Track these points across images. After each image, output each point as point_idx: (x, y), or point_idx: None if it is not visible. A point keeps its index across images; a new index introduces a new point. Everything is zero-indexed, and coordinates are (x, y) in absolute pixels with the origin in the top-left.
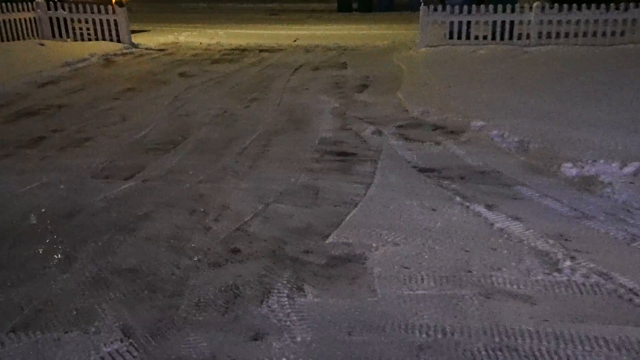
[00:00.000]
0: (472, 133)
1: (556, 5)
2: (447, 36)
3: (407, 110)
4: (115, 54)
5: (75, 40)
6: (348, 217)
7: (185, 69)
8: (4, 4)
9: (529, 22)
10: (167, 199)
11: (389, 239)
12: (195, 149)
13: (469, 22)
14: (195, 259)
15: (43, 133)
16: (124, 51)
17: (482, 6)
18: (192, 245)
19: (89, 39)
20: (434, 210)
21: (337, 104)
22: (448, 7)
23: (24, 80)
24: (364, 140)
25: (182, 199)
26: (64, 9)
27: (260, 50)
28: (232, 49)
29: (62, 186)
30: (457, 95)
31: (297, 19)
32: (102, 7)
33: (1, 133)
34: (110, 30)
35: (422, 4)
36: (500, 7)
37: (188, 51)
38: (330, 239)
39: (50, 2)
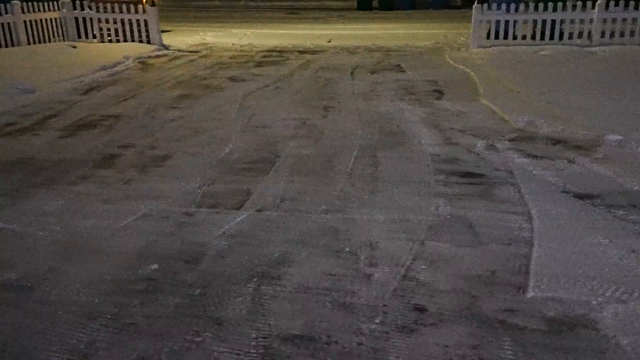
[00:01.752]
0: (610, 149)
1: (621, 2)
2: (492, 36)
3: (506, 121)
4: (149, 56)
5: (102, 41)
6: (533, 261)
7: (232, 73)
8: (29, 3)
9: (591, 20)
10: (297, 235)
11: (608, 294)
12: (295, 169)
13: (515, 22)
14: (376, 320)
15: (112, 149)
16: (157, 53)
17: (532, 4)
18: (361, 299)
19: (117, 40)
20: (633, 251)
21: (422, 113)
22: (503, 6)
23: (64, 86)
24: (482, 157)
25: (315, 235)
26: (90, 9)
27: (300, 52)
28: (269, 51)
29: (166, 219)
30: (555, 102)
31: (318, 18)
32: (131, 6)
33: (65, 149)
34: (140, 31)
35: (476, 2)
36: (560, 5)
37: (223, 53)
38: (531, 293)
39: (76, 2)
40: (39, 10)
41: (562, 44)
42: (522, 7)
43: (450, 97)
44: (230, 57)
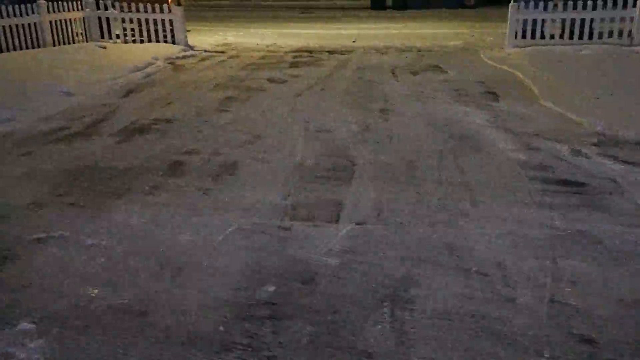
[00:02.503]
0: None
1: None
2: (529, 35)
3: (578, 123)
4: (177, 57)
5: (126, 41)
6: None
7: (269, 74)
8: (53, 3)
9: (631, 19)
10: (413, 252)
11: None
12: (378, 178)
13: (553, 21)
14: (546, 354)
15: (175, 156)
16: (185, 54)
17: (570, 3)
18: (514, 328)
19: (141, 41)
20: None
21: (486, 116)
22: (540, 4)
23: (102, 88)
24: (573, 164)
25: (432, 251)
26: (114, 8)
27: (329, 52)
28: (297, 51)
29: (263, 234)
30: (617, 103)
31: (333, 18)
32: (157, 6)
33: (127, 156)
34: (164, 31)
35: (512, 0)
36: (600, 3)
37: (251, 53)
38: None
39: (99, 1)
40: (64, 10)
41: (602, 43)
42: (560, 5)
43: (506, 98)
44: (261, 58)
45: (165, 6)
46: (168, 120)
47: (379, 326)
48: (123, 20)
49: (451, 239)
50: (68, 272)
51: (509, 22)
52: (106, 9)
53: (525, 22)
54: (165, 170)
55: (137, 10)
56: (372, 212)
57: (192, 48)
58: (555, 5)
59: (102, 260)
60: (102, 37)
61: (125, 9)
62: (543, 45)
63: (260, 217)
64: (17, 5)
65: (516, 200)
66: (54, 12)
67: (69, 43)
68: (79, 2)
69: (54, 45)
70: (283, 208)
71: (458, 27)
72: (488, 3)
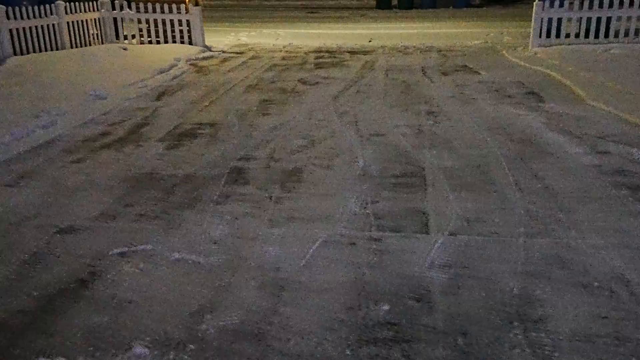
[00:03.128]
0: None
1: None
2: (553, 34)
3: (637, 125)
4: (197, 58)
5: (142, 43)
6: None
7: (298, 75)
8: (71, 4)
9: None
10: (521, 265)
11: None
12: (453, 184)
13: (579, 19)
14: None
15: (232, 162)
16: (204, 55)
17: (596, 1)
18: None
19: (157, 42)
20: None
21: (539, 117)
22: (565, 3)
23: (133, 91)
24: None
25: (541, 264)
26: (130, 9)
27: (350, 52)
28: (317, 51)
29: (354, 246)
30: None
31: (341, 17)
32: (174, 6)
33: (182, 163)
34: (181, 32)
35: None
36: (626, 1)
37: (271, 54)
38: None
39: (115, 2)
40: (80, 11)
41: (629, 42)
42: (586, 4)
43: (552, 99)
44: (282, 59)
45: (182, 6)
46: (212, 125)
47: (518, 350)
48: (139, 21)
49: (558, 251)
50: (164, 289)
51: (533, 21)
52: (121, 9)
53: (550, 21)
54: (226, 177)
55: (154, 11)
56: (461, 222)
57: (209, 49)
58: (581, 4)
59: (196, 276)
60: (117, 38)
61: (142, 10)
62: (569, 45)
63: (345, 228)
64: (36, 6)
65: (606, 207)
66: (71, 13)
67: (85, 45)
68: (94, 2)
69: (71, 47)
70: (365, 218)
71: (470, 26)
72: (493, 2)
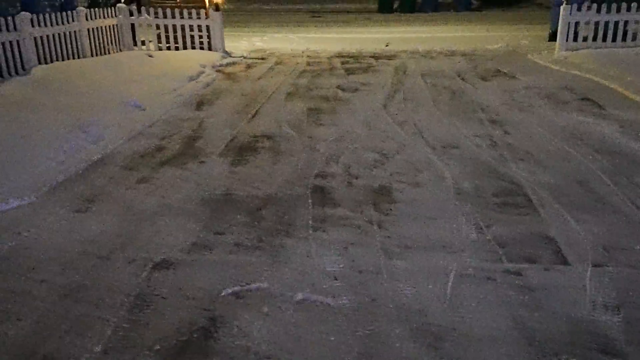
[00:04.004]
0: None
1: None
2: (580, 38)
3: None
4: (222, 65)
5: (160, 49)
6: None
7: (333, 82)
8: (90, 10)
9: None
10: None
11: None
12: (561, 202)
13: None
14: None
15: (311, 180)
16: (227, 61)
17: (624, 4)
18: None
19: (176, 48)
20: None
21: (612, 125)
22: (594, 6)
23: (169, 101)
24: None
25: None
26: (148, 14)
27: (374, 57)
28: (339, 56)
29: (493, 280)
30: None
31: (345, 21)
32: (194, 11)
33: (257, 182)
34: (201, 37)
35: (565, 2)
36: None
37: (293, 59)
38: None
39: (132, 8)
40: (98, 17)
41: None
42: (614, 6)
43: (611, 106)
44: (308, 64)
45: (202, 11)
46: (268, 137)
47: None
48: (157, 27)
49: None
50: (303, 340)
51: (560, 25)
52: (140, 14)
53: (577, 24)
54: (311, 198)
55: (173, 16)
56: (597, 249)
57: (230, 55)
58: (609, 7)
59: (332, 322)
60: (135, 44)
61: (160, 15)
62: (596, 48)
63: (472, 259)
64: (59, 13)
65: None
66: (91, 19)
67: (103, 52)
68: (111, 8)
69: (92, 55)
70: (488, 245)
71: (481, 30)
72: (490, 5)
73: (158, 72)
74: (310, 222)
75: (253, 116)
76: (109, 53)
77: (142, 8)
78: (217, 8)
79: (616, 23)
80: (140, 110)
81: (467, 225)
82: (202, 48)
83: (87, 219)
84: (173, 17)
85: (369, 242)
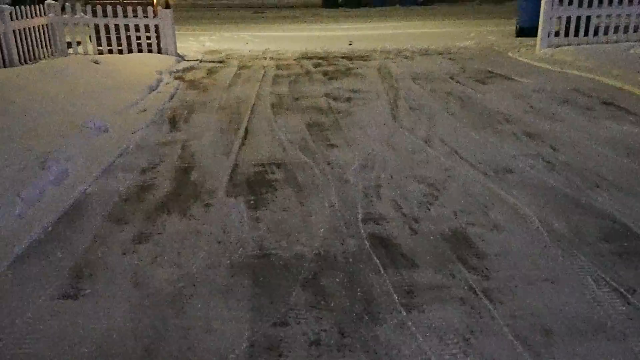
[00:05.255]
0: None
1: None
2: (554, 34)
3: None
4: (178, 70)
5: (100, 53)
6: None
7: (315, 89)
8: (16, 8)
9: None
10: None
11: None
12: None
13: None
14: None
15: (365, 227)
16: (184, 66)
17: None
18: None
19: (119, 51)
20: None
21: None
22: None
23: (133, 119)
24: None
25: None
26: (85, 13)
27: (346, 58)
28: (305, 57)
29: None
30: None
31: (293, 17)
32: (139, 9)
33: (295, 234)
34: (149, 39)
35: None
36: None
37: (257, 62)
38: None
39: (66, 4)
40: (27, 16)
41: (637, 40)
42: (596, 1)
43: (636, 111)
44: (277, 68)
45: (149, 9)
46: (277, 165)
47: None
48: (96, 28)
49: None
50: None
51: (541, 20)
52: (74, 12)
53: (559, 20)
54: (377, 256)
55: (115, 15)
56: None
57: (183, 58)
58: (591, 0)
59: None
60: (69, 47)
61: (100, 14)
62: (578, 44)
63: None
64: None
65: None
66: (17, 19)
67: (35, 58)
68: (39, 5)
69: (20, 62)
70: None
71: (439, 25)
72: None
73: (111, 82)
74: (394, 295)
75: (245, 136)
76: (41, 59)
77: (77, 5)
78: (167, 5)
79: (587, 17)
80: (104, 133)
81: (603, 292)
82: (150, 51)
83: (82, 312)
84: (115, 15)
85: (491, 327)
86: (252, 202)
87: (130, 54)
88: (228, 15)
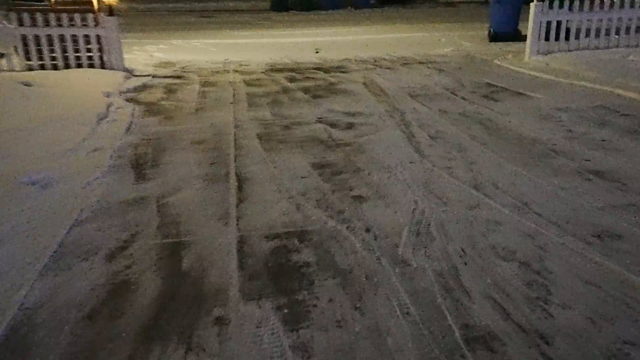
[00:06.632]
0: None
1: None
2: (552, 38)
3: None
4: (129, 90)
5: (30, 69)
6: None
7: (304, 112)
8: None
9: None
10: None
11: None
12: None
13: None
14: None
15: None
16: (135, 84)
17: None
18: None
19: (54, 67)
20: None
21: None
22: (565, 4)
23: (84, 164)
24: None
25: None
26: (8, 21)
27: (322, 70)
28: (274, 70)
29: None
30: None
31: (244, 22)
32: (77, 16)
33: None
34: (90, 52)
35: (535, 0)
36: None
37: (222, 77)
38: None
39: None
40: None
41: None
42: (586, 5)
43: None
44: (246, 84)
45: (90, 16)
46: (299, 235)
47: None
48: (24, 39)
49: None
50: None
51: (531, 25)
52: None
53: (548, 24)
54: None
55: (47, 24)
56: None
57: (132, 73)
58: (581, 4)
59: None
60: None
61: (27, 22)
62: (570, 51)
63: None
64: None
65: None
66: None
67: None
68: None
69: None
70: None
71: (403, 30)
72: (387, 2)
73: (47, 111)
74: None
75: (239, 186)
76: None
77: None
78: (110, 12)
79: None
80: (45, 191)
81: None
82: (92, 66)
83: None
84: (47, 25)
85: None
86: (285, 311)
87: (68, 70)
88: (173, 20)
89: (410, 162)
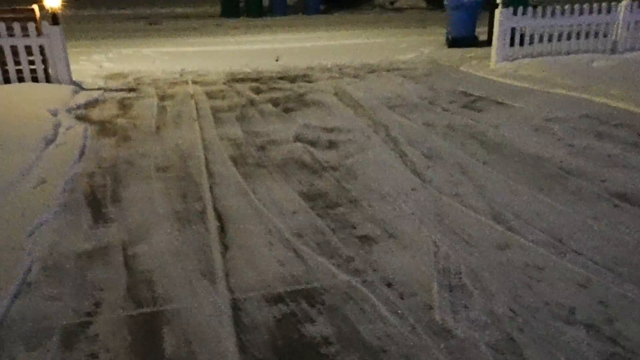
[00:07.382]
0: None
1: None
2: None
3: None
4: (78, 106)
5: None
6: None
7: (277, 129)
8: None
9: (616, 23)
10: None
11: None
12: None
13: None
14: None
15: None
16: (85, 99)
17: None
18: None
19: None
20: None
21: None
22: (529, 10)
23: (30, 203)
24: None
25: None
26: None
27: (288, 80)
28: (237, 80)
29: None
30: None
31: (193, 29)
32: (16, 25)
33: None
34: (32, 64)
35: (501, 5)
36: (586, 6)
37: (181, 88)
38: None
39: None
40: None
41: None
42: (549, 11)
43: None
44: (208, 97)
45: (31, 25)
46: (307, 297)
47: None
48: None
49: None
50: None
51: (497, 31)
52: None
53: (513, 30)
54: None
55: None
56: None
57: (81, 87)
58: (544, 11)
59: None
60: None
61: None
62: (536, 57)
63: None
64: None
65: None
66: None
67: None
68: None
69: None
70: None
71: (357, 36)
72: (336, 8)
73: None
74: None
75: (220, 228)
76: None
77: None
78: (54, 20)
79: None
80: None
81: None
82: (35, 79)
83: None
84: None
85: None
86: None
87: (9, 85)
88: (119, 27)
89: (412, 189)
